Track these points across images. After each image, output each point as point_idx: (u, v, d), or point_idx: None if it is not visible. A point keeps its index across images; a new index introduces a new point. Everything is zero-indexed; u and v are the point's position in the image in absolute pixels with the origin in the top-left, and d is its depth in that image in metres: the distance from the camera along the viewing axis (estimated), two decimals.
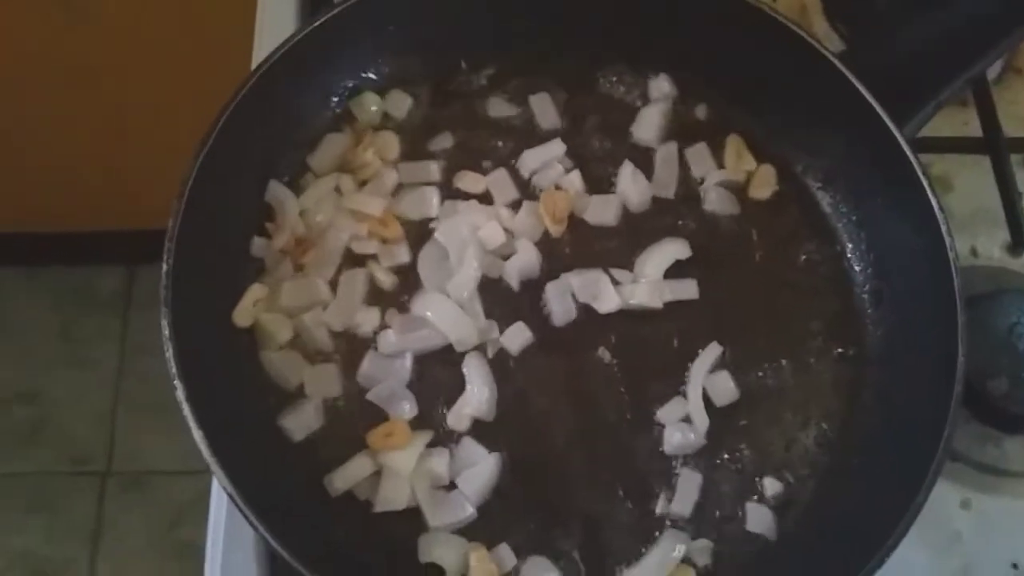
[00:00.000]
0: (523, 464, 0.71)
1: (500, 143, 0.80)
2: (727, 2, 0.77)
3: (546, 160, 0.79)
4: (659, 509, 0.70)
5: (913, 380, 0.71)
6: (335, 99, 0.80)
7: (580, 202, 0.78)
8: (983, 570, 0.74)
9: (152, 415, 1.81)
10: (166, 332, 0.63)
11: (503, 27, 0.81)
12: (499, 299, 0.75)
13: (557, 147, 0.79)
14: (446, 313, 0.73)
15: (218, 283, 0.72)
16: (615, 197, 0.79)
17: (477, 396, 0.71)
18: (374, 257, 0.76)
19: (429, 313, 0.73)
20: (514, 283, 0.75)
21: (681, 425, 0.72)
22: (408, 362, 0.72)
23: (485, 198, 0.78)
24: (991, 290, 0.79)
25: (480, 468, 0.70)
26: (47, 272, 2.05)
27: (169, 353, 0.63)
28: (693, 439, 0.71)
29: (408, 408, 0.71)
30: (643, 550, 0.69)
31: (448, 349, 0.73)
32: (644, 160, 0.80)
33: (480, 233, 0.76)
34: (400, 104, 0.81)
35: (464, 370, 0.72)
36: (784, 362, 0.75)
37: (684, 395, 0.73)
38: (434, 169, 0.79)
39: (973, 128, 0.88)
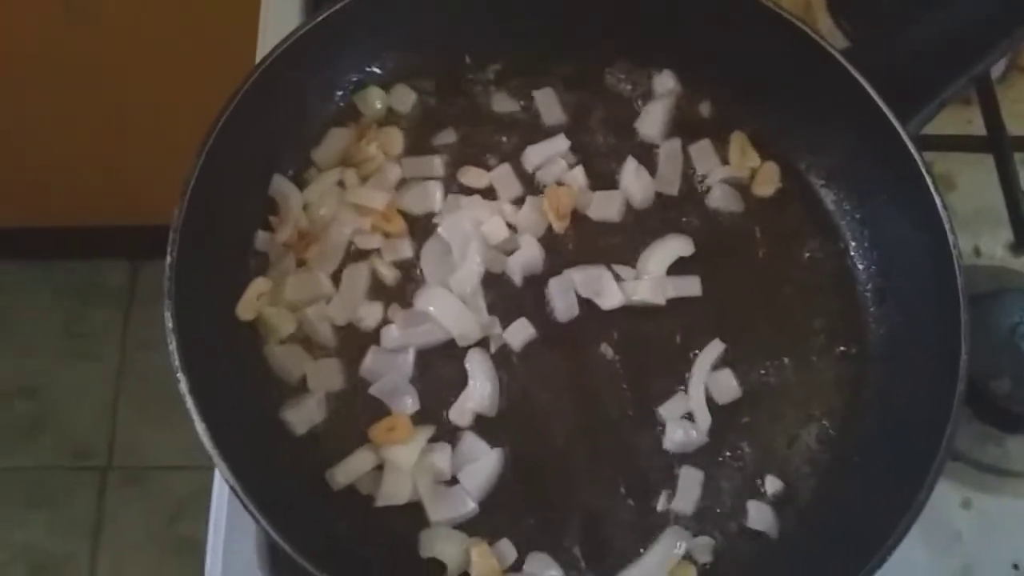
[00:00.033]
0: (525, 460, 0.71)
1: (504, 138, 0.80)
2: None
3: (550, 156, 0.79)
4: (660, 506, 0.70)
5: (915, 378, 0.71)
6: (339, 94, 0.80)
7: (583, 198, 0.78)
8: (984, 570, 0.73)
9: (153, 410, 1.82)
10: (169, 324, 0.63)
11: (507, 23, 0.81)
12: (502, 294, 0.75)
13: (561, 143, 0.79)
14: (449, 308, 0.73)
15: (222, 276, 0.71)
16: (618, 193, 0.78)
17: (479, 391, 0.71)
18: (377, 251, 0.75)
19: (432, 308, 0.73)
20: (517, 279, 0.75)
21: (683, 422, 0.72)
22: (411, 357, 0.72)
23: (489, 193, 0.78)
24: (994, 289, 0.79)
25: (482, 463, 0.70)
26: (49, 267, 2.04)
27: (172, 346, 0.62)
28: (695, 436, 0.71)
29: (410, 403, 0.71)
30: (644, 547, 0.69)
31: (451, 344, 0.73)
32: (648, 156, 0.80)
33: (483, 228, 0.75)
34: (404, 99, 0.81)
35: (467, 365, 0.72)
36: (786, 360, 0.74)
37: (686, 392, 0.73)
38: (438, 164, 0.79)
39: (977, 126, 0.88)
